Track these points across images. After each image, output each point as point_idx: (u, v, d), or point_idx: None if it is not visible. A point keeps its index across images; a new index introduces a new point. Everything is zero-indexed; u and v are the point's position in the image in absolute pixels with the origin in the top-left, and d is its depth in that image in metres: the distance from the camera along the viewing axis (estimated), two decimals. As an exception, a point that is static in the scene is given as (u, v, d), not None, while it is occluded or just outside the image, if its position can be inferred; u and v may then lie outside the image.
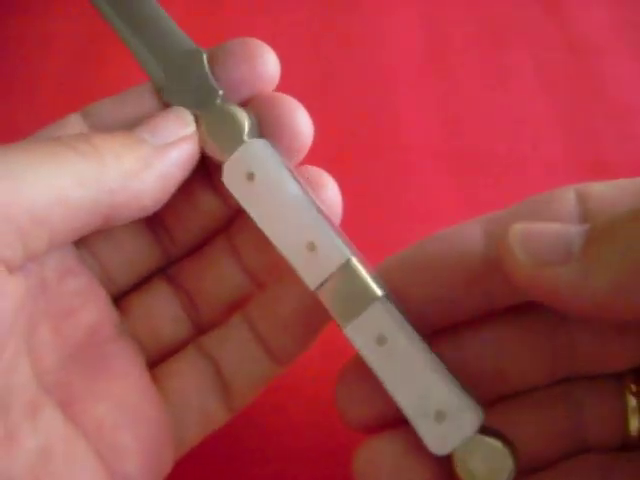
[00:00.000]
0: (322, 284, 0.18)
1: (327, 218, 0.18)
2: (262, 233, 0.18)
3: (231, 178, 0.18)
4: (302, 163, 0.20)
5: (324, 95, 0.34)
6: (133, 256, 0.20)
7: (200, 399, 0.20)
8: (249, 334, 0.20)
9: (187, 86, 0.19)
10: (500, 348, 0.19)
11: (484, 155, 0.32)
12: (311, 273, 0.18)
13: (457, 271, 0.18)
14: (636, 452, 0.19)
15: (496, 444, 0.17)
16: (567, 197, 0.18)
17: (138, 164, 0.17)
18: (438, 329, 0.19)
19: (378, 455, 0.18)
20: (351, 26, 0.39)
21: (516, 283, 0.17)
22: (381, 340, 0.17)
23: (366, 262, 0.19)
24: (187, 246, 0.21)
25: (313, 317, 0.20)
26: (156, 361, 0.20)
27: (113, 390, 0.18)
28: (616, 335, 0.18)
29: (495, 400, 0.19)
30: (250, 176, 0.18)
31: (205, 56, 0.19)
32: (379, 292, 0.18)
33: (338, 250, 0.18)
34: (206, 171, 0.20)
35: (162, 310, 0.20)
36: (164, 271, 0.21)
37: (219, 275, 0.21)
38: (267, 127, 0.19)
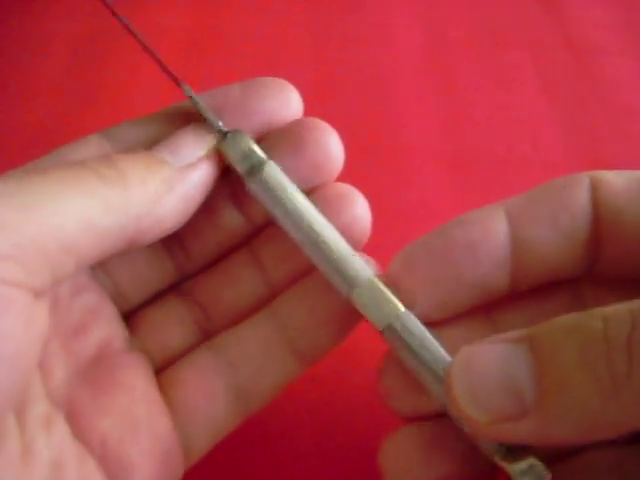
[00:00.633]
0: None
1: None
2: (290, 243, 0.19)
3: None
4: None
5: (324, 95, 0.34)
6: (146, 273, 0.20)
7: (210, 407, 0.19)
8: (274, 334, 0.20)
9: None
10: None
11: (484, 155, 0.32)
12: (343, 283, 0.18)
13: (483, 253, 0.18)
14: None
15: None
16: (582, 183, 0.18)
17: (162, 188, 0.17)
18: (464, 312, 0.19)
19: (405, 447, 0.19)
20: (351, 26, 0.39)
21: (474, 435, 0.17)
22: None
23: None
24: (202, 262, 0.21)
25: (349, 314, 0.19)
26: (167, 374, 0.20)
27: (119, 404, 0.18)
28: None
29: None
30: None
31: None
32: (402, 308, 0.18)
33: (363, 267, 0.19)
34: (228, 187, 0.20)
35: (173, 324, 0.20)
36: (177, 286, 0.21)
37: (237, 288, 0.20)
38: (301, 149, 0.19)
